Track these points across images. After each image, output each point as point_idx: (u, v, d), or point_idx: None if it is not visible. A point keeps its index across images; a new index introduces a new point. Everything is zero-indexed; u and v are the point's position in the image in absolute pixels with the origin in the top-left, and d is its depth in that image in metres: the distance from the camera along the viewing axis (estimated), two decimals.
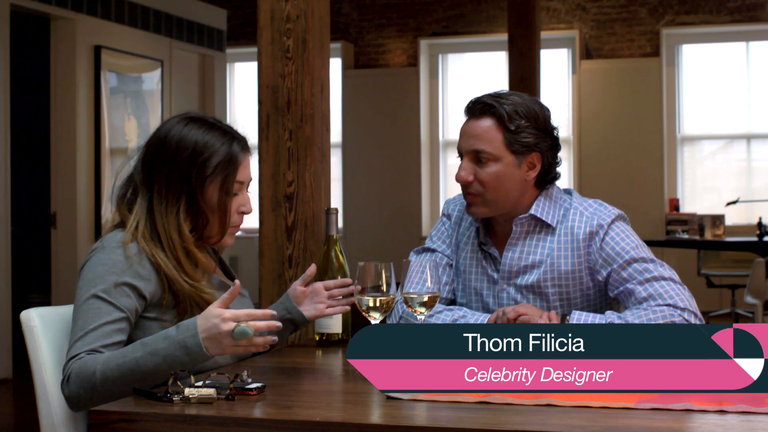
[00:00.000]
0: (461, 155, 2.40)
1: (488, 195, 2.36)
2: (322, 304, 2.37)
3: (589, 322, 2.26)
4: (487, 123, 2.36)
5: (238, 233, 9.17)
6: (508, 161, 2.35)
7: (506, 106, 2.35)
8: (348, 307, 2.40)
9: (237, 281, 1.91)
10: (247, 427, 1.65)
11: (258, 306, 2.52)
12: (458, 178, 2.38)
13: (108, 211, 6.69)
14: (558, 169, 2.43)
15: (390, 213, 9.85)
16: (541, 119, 2.37)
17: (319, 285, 2.39)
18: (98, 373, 1.90)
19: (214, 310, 1.90)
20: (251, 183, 2.25)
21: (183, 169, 2.11)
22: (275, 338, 1.93)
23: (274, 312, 1.96)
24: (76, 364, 1.93)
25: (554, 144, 2.41)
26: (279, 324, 1.93)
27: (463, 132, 2.40)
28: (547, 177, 2.41)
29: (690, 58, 9.42)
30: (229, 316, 1.88)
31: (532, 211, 2.39)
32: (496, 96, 2.38)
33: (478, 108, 2.38)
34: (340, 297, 2.40)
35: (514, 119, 2.34)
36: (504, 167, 2.35)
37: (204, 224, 2.15)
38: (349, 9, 10.00)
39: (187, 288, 2.07)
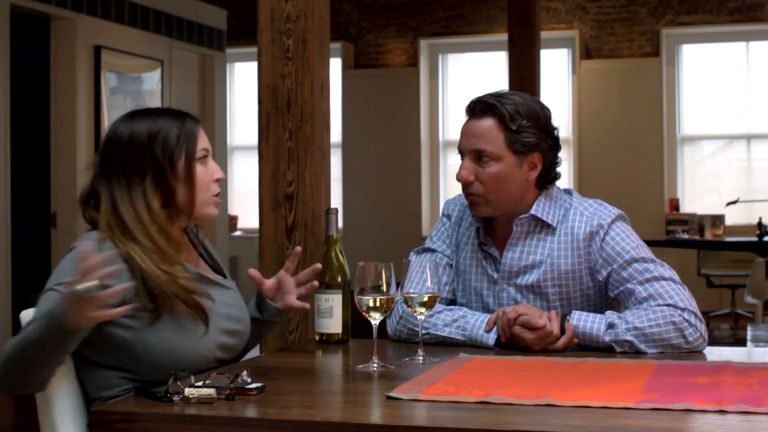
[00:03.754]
0: (462, 154, 2.40)
1: (489, 195, 2.36)
2: (290, 295, 2.32)
3: (589, 322, 2.26)
4: (488, 122, 2.36)
5: (238, 233, 9.12)
6: (510, 161, 2.35)
7: (508, 105, 2.35)
8: (308, 305, 2.35)
9: (117, 265, 1.90)
10: (247, 427, 1.65)
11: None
12: (459, 178, 2.38)
13: None
14: (558, 169, 2.44)
15: (390, 213, 9.85)
16: (542, 119, 2.38)
17: (283, 274, 2.32)
18: (5, 350, 1.94)
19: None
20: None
21: (143, 153, 2.11)
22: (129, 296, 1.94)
23: (107, 255, 1.91)
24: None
25: (555, 144, 2.41)
26: (120, 266, 1.93)
27: (465, 131, 2.40)
28: (547, 177, 2.41)
29: (690, 58, 9.42)
30: (73, 281, 1.83)
31: (532, 211, 2.39)
32: (498, 96, 2.38)
33: (479, 107, 2.38)
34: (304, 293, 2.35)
35: (515, 119, 2.34)
36: (505, 167, 2.35)
37: (173, 198, 2.14)
38: (349, 9, 10.00)
39: (163, 277, 2.05)
